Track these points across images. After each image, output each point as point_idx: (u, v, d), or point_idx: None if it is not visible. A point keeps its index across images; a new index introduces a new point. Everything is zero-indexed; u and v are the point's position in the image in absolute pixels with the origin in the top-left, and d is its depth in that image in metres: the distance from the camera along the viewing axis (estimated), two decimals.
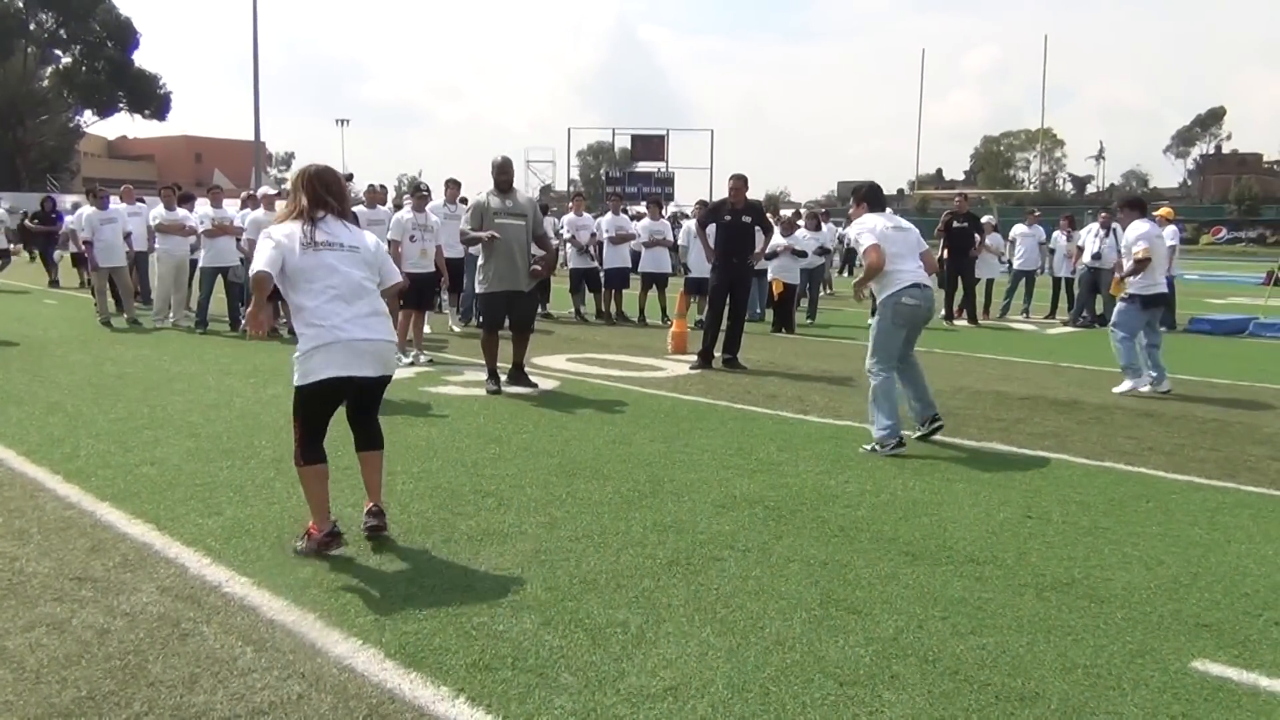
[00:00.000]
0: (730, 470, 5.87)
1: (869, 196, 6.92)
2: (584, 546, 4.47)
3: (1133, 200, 9.90)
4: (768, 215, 11.17)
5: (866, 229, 6.59)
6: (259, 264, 4.20)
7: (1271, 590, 4.11)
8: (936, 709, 3.05)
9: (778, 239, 14.48)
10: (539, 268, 8.55)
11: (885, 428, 6.35)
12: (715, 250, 10.24)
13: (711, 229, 10.40)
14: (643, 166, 57.45)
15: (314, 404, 4.31)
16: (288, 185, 5.23)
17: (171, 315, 13.19)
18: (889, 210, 6.98)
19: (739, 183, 10.24)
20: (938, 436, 6.74)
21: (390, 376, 4.52)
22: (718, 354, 10.08)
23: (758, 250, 10.57)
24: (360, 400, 4.53)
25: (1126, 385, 8.86)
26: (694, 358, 10.21)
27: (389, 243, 10.39)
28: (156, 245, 13.26)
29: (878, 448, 6.33)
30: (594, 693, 3.10)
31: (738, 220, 10.08)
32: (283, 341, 11.74)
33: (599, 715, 2.97)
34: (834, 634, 3.59)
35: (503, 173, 8.45)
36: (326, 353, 4.21)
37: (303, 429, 4.32)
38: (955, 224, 15.51)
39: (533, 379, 8.70)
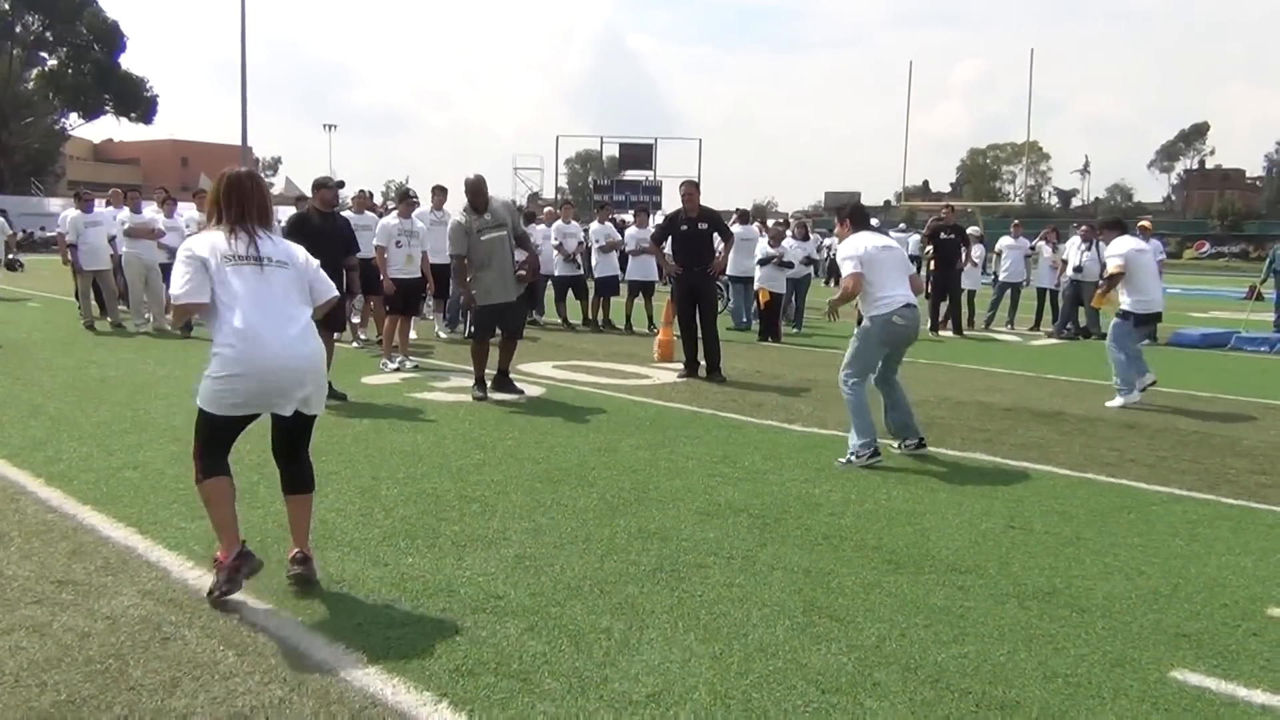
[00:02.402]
0: (715, 478, 5.89)
1: (854, 215, 6.86)
2: (568, 553, 4.47)
3: (1111, 221, 10.00)
4: (728, 223, 11.10)
5: (852, 253, 6.50)
6: (179, 290, 3.73)
7: (1250, 601, 4.14)
8: (918, 717, 3.06)
9: (764, 248, 14.55)
10: (524, 273, 8.58)
11: (861, 443, 6.30)
12: (676, 261, 10.07)
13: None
14: (631, 175, 57.45)
15: (219, 430, 3.87)
16: (273, 190, 5.05)
17: (151, 319, 13.12)
18: (875, 225, 7.00)
19: (690, 189, 10.17)
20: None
21: (315, 415, 4.02)
22: (702, 362, 10.04)
23: (718, 258, 10.44)
24: (287, 435, 4.04)
25: (1119, 401, 8.83)
26: (680, 366, 10.21)
27: (375, 248, 10.40)
28: (124, 249, 13.10)
29: (853, 459, 6.28)
30: (577, 698, 3.10)
31: (694, 229, 10.02)
32: None
33: None
34: (817, 642, 3.60)
35: (477, 194, 8.38)
36: (241, 382, 3.74)
37: (203, 444, 3.86)
38: (942, 235, 15.58)
39: (519, 385, 8.71)
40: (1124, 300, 8.93)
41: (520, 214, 9.59)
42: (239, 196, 3.91)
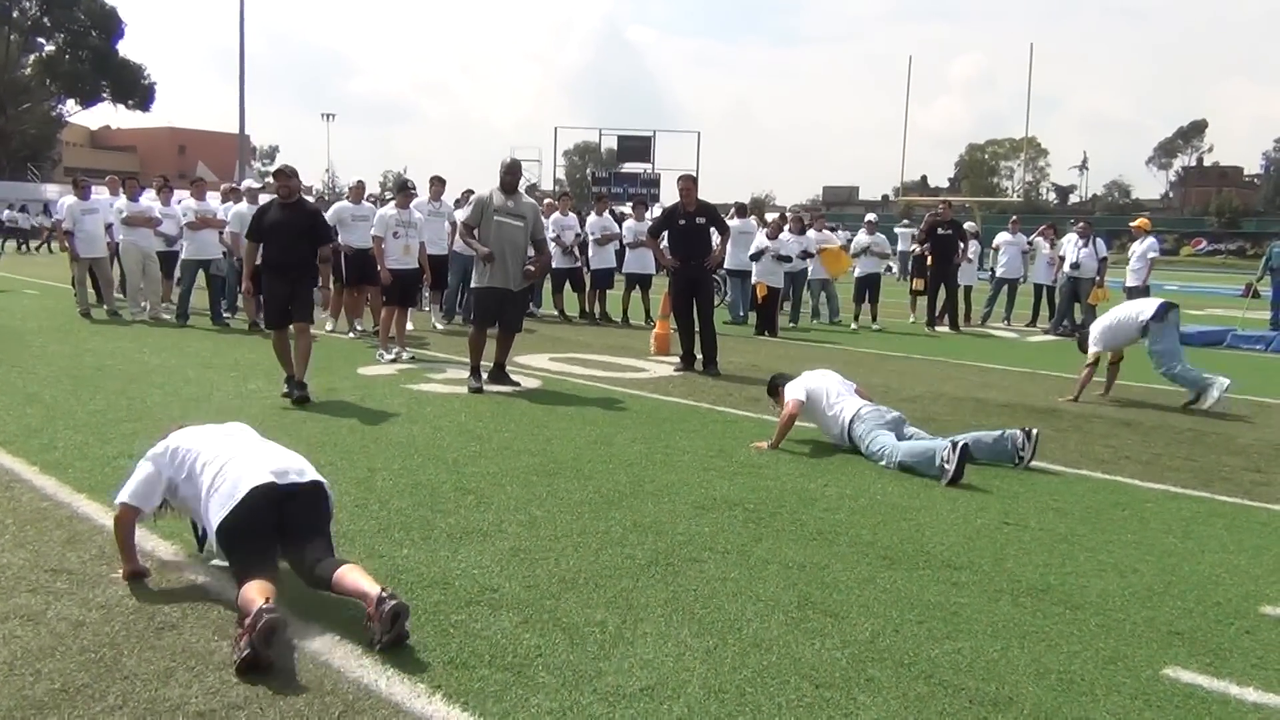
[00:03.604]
0: (711, 472, 5.89)
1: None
2: (563, 545, 4.48)
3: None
4: (742, 217, 11.11)
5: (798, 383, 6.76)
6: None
7: (1243, 599, 4.15)
8: (911, 713, 3.07)
9: (761, 241, 14.53)
10: (532, 269, 8.59)
11: (944, 450, 5.87)
12: (674, 255, 10.09)
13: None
14: (629, 167, 57.28)
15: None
16: (270, 179, 5.00)
17: (148, 307, 13.09)
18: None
19: (688, 184, 10.18)
20: None
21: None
22: (699, 355, 10.04)
23: (715, 252, 10.44)
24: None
25: (1213, 397, 8.63)
26: (677, 359, 10.21)
27: (373, 239, 10.39)
28: (121, 238, 13.06)
29: (945, 466, 5.82)
30: (571, 691, 3.11)
31: (691, 223, 10.03)
32: (264, 336, 11.70)
33: (576, 714, 2.98)
34: (811, 636, 3.60)
35: (510, 173, 8.52)
36: None
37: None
38: (939, 231, 15.58)
39: (514, 378, 8.72)
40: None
41: (543, 217, 9.55)
42: None
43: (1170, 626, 3.83)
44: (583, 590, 3.96)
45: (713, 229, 10.27)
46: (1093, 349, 8.92)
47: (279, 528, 3.67)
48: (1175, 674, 3.41)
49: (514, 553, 4.35)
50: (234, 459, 3.79)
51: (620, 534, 4.67)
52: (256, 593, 3.31)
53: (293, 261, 7.60)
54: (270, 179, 8.00)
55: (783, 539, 4.70)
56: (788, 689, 3.18)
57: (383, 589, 3.39)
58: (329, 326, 12.32)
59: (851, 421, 6.45)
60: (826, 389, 6.70)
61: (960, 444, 5.83)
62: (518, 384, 8.60)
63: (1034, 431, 6.30)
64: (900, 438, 6.30)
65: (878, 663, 3.40)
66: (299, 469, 3.85)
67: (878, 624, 3.74)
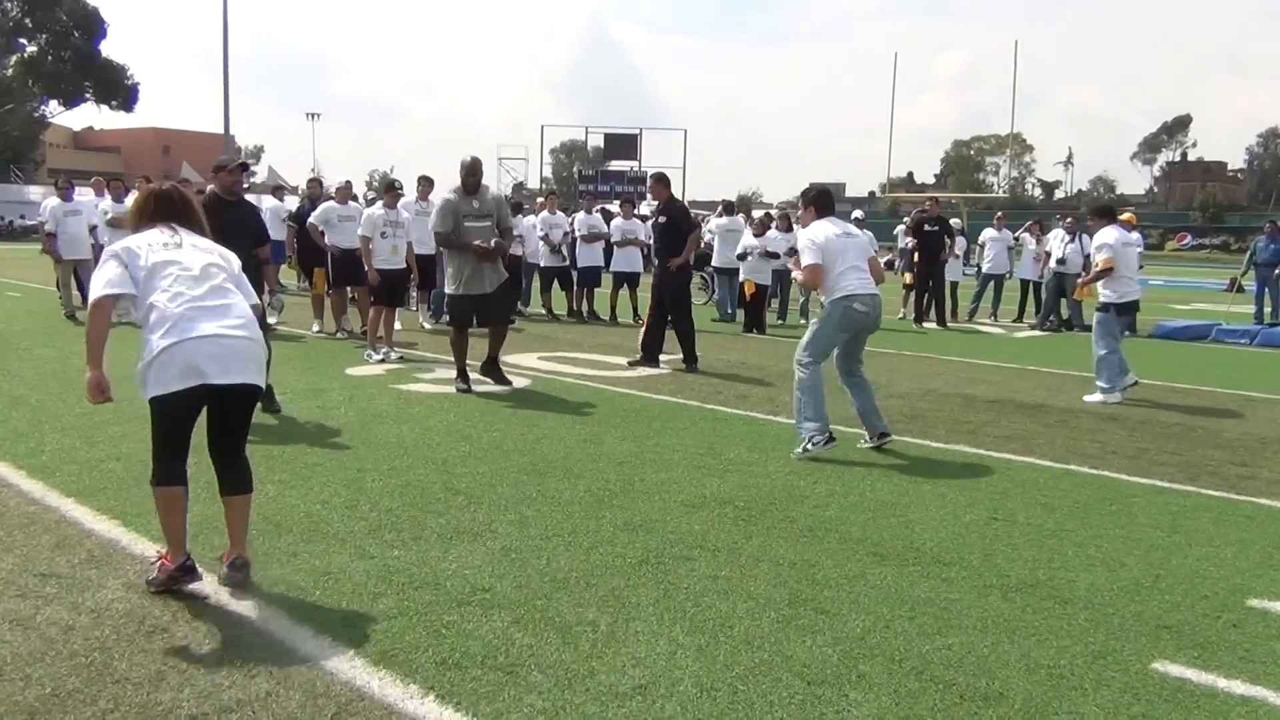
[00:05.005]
0: (700, 470, 5.90)
1: (817, 201, 6.76)
2: (554, 545, 4.48)
3: (1101, 208, 9.95)
4: (692, 216, 11.10)
5: (812, 240, 6.45)
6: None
7: (1230, 593, 4.18)
8: (902, 708, 3.09)
9: (749, 240, 14.55)
10: (481, 245, 8.18)
11: (814, 427, 6.25)
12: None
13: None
14: (616, 165, 57.37)
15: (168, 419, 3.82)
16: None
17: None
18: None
19: (652, 181, 10.21)
20: (906, 438, 6.82)
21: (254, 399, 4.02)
22: (670, 356, 10.07)
23: (686, 251, 10.22)
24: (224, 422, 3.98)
25: (1098, 397, 8.72)
26: (668, 357, 10.21)
27: (360, 239, 10.36)
28: (105, 239, 12.94)
29: (809, 448, 6.22)
30: (563, 691, 3.11)
31: (655, 222, 10.07)
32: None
33: (568, 713, 2.98)
34: (802, 633, 3.61)
35: (471, 174, 8.38)
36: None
37: (159, 445, 3.85)
38: (926, 227, 15.64)
39: (508, 377, 8.68)
40: (1103, 293, 8.89)
41: (508, 205, 9.50)
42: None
43: (1158, 620, 3.86)
44: (574, 589, 3.96)
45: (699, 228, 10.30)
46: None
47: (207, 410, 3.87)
48: (1164, 668, 3.44)
49: (505, 552, 4.36)
50: (182, 317, 3.77)
51: (611, 533, 4.68)
52: (183, 534, 3.79)
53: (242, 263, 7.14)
54: (228, 172, 7.38)
55: (773, 536, 4.71)
56: (780, 686, 3.20)
57: (239, 555, 3.87)
58: (315, 328, 12.28)
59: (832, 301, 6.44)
60: (841, 267, 6.43)
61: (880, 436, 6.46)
62: (509, 383, 8.56)
63: (886, 439, 6.60)
64: (851, 360, 6.60)
65: (869, 659, 3.42)
66: (240, 363, 3.84)
67: (868, 620, 3.75)
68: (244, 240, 7.12)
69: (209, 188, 7.51)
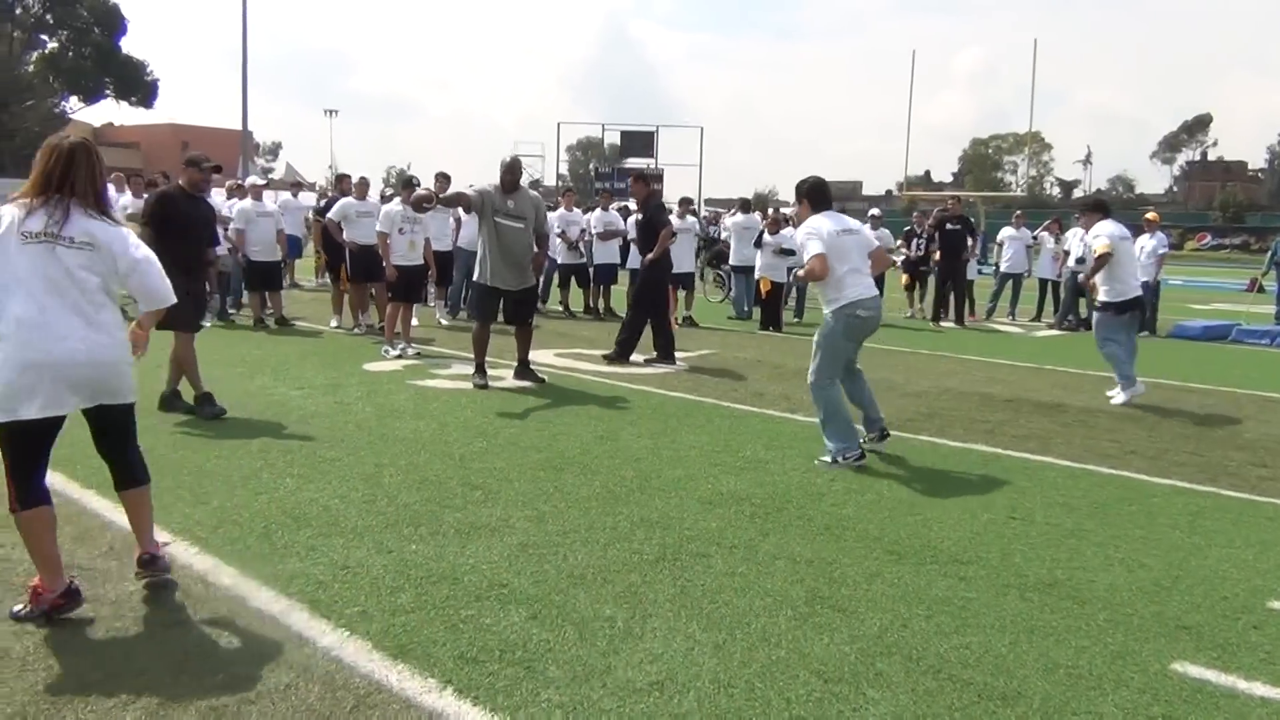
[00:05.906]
0: (717, 467, 5.90)
1: (811, 194, 6.38)
2: (571, 541, 4.49)
3: (1094, 203, 9.61)
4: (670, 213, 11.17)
5: (813, 234, 6.13)
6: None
7: (1250, 594, 4.16)
8: (919, 707, 3.08)
9: (764, 237, 14.52)
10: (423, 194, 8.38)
11: (844, 445, 6.03)
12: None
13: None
14: (632, 162, 57.27)
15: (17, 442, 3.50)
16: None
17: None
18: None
19: (633, 180, 10.27)
20: (923, 437, 6.80)
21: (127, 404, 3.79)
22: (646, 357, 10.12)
23: (658, 248, 10.19)
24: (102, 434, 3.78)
25: (1121, 396, 8.52)
26: (686, 353, 10.21)
27: (378, 235, 10.40)
28: None
29: (839, 460, 6.01)
30: (581, 686, 3.12)
31: (636, 220, 10.13)
32: (269, 333, 11.72)
33: (586, 708, 2.99)
34: (819, 631, 3.61)
35: (510, 173, 8.41)
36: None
37: (10, 469, 3.51)
38: (948, 226, 15.58)
39: (540, 375, 8.72)
40: (1101, 293, 8.68)
41: (545, 210, 9.49)
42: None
43: (1178, 621, 3.84)
44: (591, 585, 3.97)
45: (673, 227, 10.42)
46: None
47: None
48: (1183, 668, 3.42)
49: (522, 548, 4.37)
50: (18, 340, 3.47)
51: (628, 529, 4.68)
52: (58, 567, 3.52)
53: (197, 260, 7.15)
54: (199, 169, 7.29)
55: (790, 534, 4.71)
56: (796, 683, 3.20)
57: (145, 550, 3.75)
58: (333, 323, 12.33)
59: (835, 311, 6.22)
60: (841, 270, 6.16)
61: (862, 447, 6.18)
62: (543, 380, 8.61)
63: (886, 438, 6.51)
64: (848, 370, 6.40)
65: (886, 657, 3.41)
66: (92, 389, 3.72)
67: (886, 619, 3.74)
68: (203, 236, 7.25)
69: (177, 180, 7.45)
